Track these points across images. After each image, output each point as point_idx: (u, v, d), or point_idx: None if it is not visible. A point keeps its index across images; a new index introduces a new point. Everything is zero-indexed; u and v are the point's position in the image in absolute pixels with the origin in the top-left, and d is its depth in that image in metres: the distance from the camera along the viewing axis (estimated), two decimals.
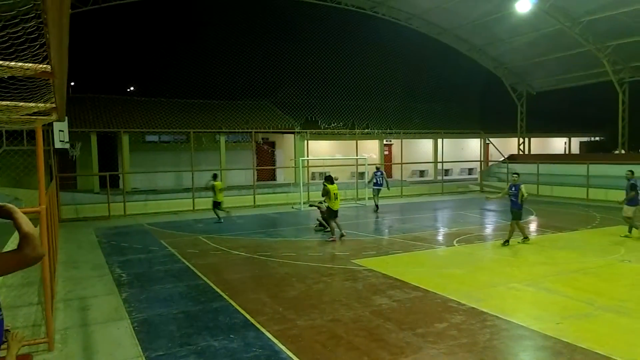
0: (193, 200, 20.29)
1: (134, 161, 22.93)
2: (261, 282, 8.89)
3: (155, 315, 7.03)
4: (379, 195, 19.71)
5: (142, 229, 15.69)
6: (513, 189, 11.81)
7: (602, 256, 10.44)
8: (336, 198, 12.80)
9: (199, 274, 9.43)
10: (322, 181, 16.45)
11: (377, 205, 19.50)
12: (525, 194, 11.56)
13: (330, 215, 12.96)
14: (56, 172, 17.10)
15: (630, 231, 12.33)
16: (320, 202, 14.08)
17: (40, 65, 3.57)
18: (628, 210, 12.41)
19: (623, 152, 26.22)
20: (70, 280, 9.16)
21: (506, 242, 11.57)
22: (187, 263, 10.39)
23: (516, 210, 11.63)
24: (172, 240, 13.29)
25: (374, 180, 19.65)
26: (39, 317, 6.87)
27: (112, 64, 28.63)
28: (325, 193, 12.92)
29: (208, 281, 8.85)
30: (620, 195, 13.32)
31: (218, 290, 8.26)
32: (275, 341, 5.94)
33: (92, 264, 10.60)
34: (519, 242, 11.70)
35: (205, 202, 20.60)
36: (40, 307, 7.24)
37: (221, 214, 17.02)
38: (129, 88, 32.83)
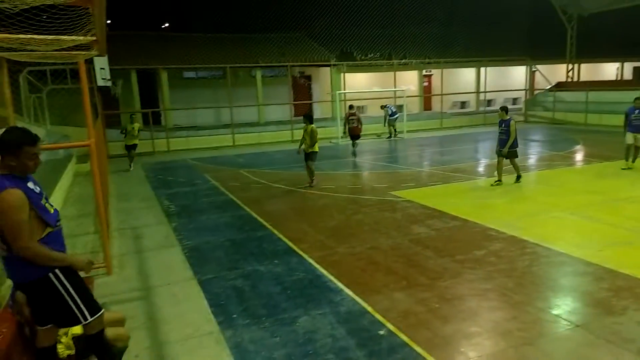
0: (233, 135, 20.60)
1: (173, 98, 23.24)
2: (302, 213, 9.14)
3: (203, 243, 7.42)
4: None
5: (185, 164, 16.19)
6: (503, 125, 10.64)
7: None
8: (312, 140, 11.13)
9: (242, 205, 9.76)
10: (358, 115, 16.49)
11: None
12: (514, 132, 10.39)
13: (314, 158, 11.31)
14: (101, 110, 17.60)
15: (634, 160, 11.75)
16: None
17: None
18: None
19: None
20: (122, 212, 9.69)
21: (498, 181, 10.64)
22: (230, 195, 10.75)
23: (510, 150, 10.52)
24: (215, 174, 13.69)
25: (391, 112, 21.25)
26: (97, 245, 7.36)
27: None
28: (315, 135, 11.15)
29: (251, 212, 9.17)
30: None
31: (261, 220, 8.57)
32: (317, 266, 6.20)
33: (141, 196, 11.13)
34: (519, 177, 10.75)
35: (244, 137, 20.94)
36: (97, 236, 7.74)
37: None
38: (163, 24, 32.59)
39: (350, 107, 16.59)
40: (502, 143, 10.65)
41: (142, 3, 28.31)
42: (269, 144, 20.54)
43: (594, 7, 28.61)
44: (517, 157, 10.80)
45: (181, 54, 24.01)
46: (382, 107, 21.54)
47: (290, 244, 7.17)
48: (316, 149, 11.17)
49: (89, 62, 13.41)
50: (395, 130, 21.46)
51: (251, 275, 5.99)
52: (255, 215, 8.90)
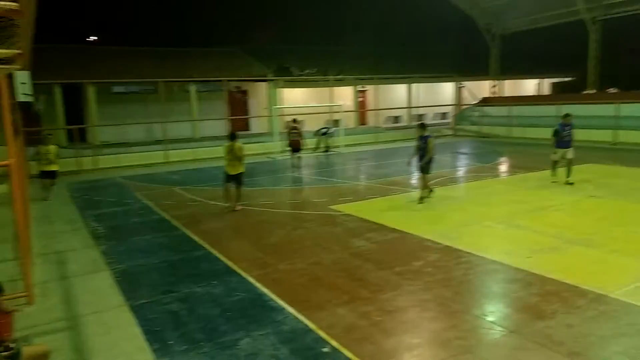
0: (166, 152, 19.94)
1: (102, 114, 22.18)
2: (241, 230, 8.94)
3: (135, 266, 7.04)
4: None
5: (115, 183, 15.43)
6: (422, 141, 10.54)
7: (571, 193, 10.80)
8: (239, 159, 10.42)
9: (177, 224, 9.39)
10: (299, 128, 16.71)
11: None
12: (432, 148, 10.39)
13: (243, 180, 10.76)
14: (21, 127, 16.45)
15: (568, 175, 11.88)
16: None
17: (7, 2, 3.35)
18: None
19: (594, 91, 26.61)
20: (45, 235, 9.02)
21: (431, 191, 10.74)
22: (164, 215, 10.32)
23: (425, 165, 10.49)
24: (147, 192, 13.13)
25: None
26: (16, 272, 6.76)
27: (71, 10, 27.06)
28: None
29: (187, 231, 8.84)
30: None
31: (198, 239, 8.28)
32: (258, 285, 6.04)
33: (66, 218, 10.44)
34: (422, 198, 10.55)
35: (178, 154, 20.32)
36: (17, 263, 7.13)
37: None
38: (91, 37, 31.22)
39: (294, 120, 16.83)
40: (421, 158, 10.62)
41: (67, 15, 27.04)
42: (204, 160, 20.05)
43: (516, 27, 30.72)
44: (429, 173, 10.62)
45: (110, 68, 23.05)
46: (316, 133, 22.03)
47: (229, 263, 6.97)
48: (243, 169, 10.59)
49: (8, 76, 12.51)
50: (327, 145, 21.96)
51: (188, 298, 5.74)
52: (191, 235, 8.59)
